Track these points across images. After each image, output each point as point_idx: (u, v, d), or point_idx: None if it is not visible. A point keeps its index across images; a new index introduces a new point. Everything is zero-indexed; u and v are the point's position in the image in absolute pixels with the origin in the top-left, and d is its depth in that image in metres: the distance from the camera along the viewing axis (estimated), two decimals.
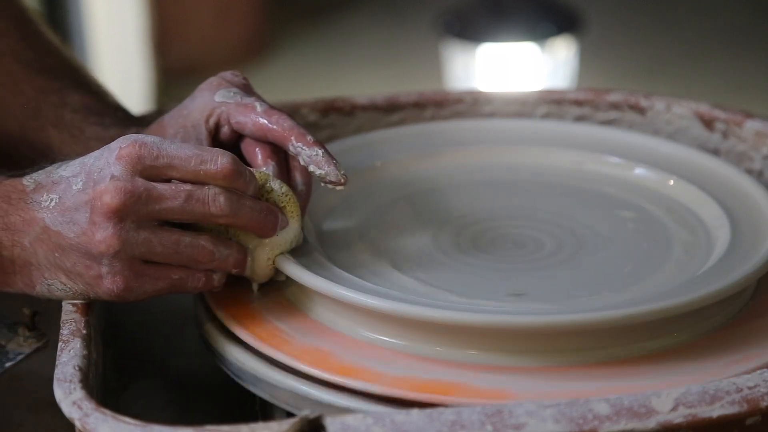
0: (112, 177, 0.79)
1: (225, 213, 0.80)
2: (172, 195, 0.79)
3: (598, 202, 0.97)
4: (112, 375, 0.89)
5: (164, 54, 3.02)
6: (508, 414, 0.69)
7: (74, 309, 0.82)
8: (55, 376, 0.75)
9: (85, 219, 0.79)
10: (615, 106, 1.08)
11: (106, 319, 0.92)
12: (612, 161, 1.00)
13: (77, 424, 0.72)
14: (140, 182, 0.79)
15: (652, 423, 0.69)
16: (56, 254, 0.80)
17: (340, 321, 0.82)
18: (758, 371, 0.73)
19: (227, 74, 0.90)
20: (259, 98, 0.88)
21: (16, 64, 0.96)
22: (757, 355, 0.79)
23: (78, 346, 0.78)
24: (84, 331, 0.79)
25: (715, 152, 1.04)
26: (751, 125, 1.03)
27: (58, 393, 0.74)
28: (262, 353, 0.81)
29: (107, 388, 0.85)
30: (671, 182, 0.97)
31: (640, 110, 1.08)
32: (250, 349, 0.82)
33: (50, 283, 0.82)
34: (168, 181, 0.80)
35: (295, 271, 0.83)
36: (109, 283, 0.80)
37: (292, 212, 0.85)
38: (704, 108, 1.06)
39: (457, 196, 0.97)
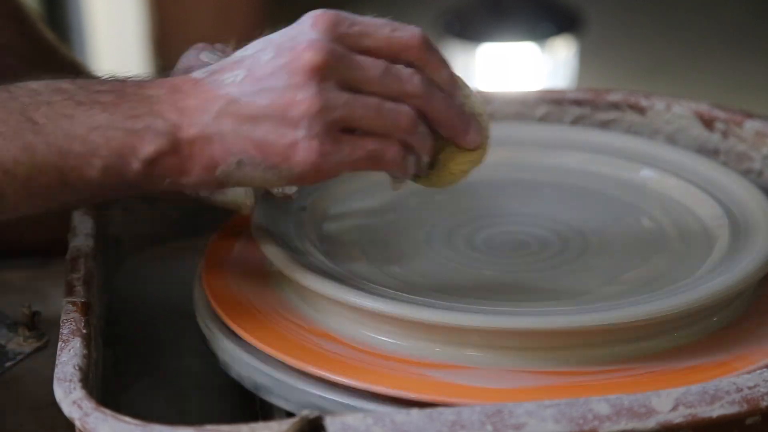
0: (310, 40, 0.76)
1: (420, 93, 0.78)
2: (372, 65, 0.77)
3: (597, 202, 0.97)
4: (112, 375, 0.89)
5: (164, 54, 3.02)
6: (508, 414, 0.69)
7: (74, 309, 0.82)
8: (55, 375, 0.75)
9: (283, 82, 0.76)
10: (615, 106, 1.08)
11: (106, 319, 0.92)
12: (611, 162, 1.00)
13: (77, 423, 0.72)
14: (340, 47, 0.77)
15: (652, 423, 0.69)
16: (246, 126, 0.76)
17: (340, 321, 0.82)
18: (758, 371, 0.73)
19: (219, 45, 0.88)
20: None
21: (14, 59, 0.96)
22: (757, 355, 0.79)
23: (78, 345, 0.78)
24: (84, 331, 0.79)
25: (715, 152, 1.04)
26: (751, 125, 1.03)
27: (58, 393, 0.74)
28: (262, 353, 0.81)
29: (107, 388, 0.85)
30: (671, 183, 0.97)
31: (640, 110, 1.08)
32: (249, 349, 0.82)
33: (239, 158, 0.76)
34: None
35: (296, 272, 0.83)
36: (304, 148, 0.76)
37: (486, 126, 0.83)
38: (704, 108, 1.05)
39: (457, 196, 0.97)
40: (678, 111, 1.06)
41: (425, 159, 0.81)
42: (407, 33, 0.79)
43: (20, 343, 0.89)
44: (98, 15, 2.72)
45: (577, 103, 1.09)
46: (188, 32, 3.18)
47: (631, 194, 0.97)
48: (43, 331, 0.89)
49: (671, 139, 1.06)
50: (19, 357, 0.88)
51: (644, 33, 3.46)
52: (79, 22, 2.68)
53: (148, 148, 0.76)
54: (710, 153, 1.04)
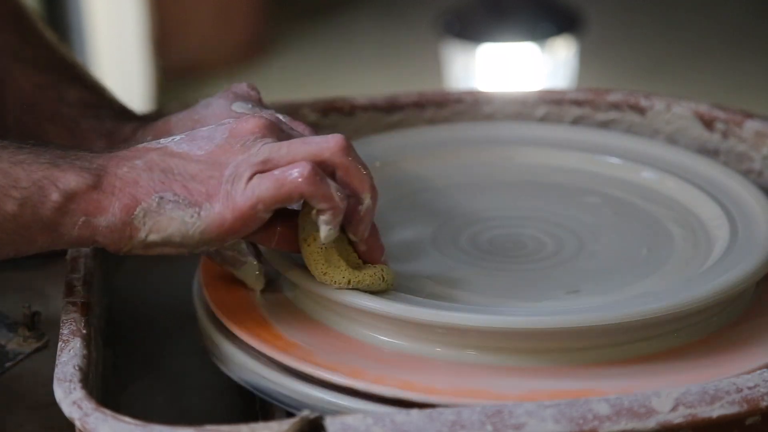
0: (253, 116, 0.78)
1: (343, 163, 0.78)
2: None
3: (598, 203, 0.97)
4: (112, 375, 0.89)
5: (164, 54, 3.02)
6: (508, 414, 0.69)
7: (74, 309, 0.82)
8: (55, 375, 0.75)
9: (221, 139, 0.77)
10: (615, 106, 1.08)
11: (106, 319, 0.92)
12: (612, 162, 1.00)
13: (77, 424, 0.72)
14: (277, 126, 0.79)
15: (652, 423, 0.69)
16: (177, 169, 0.77)
17: (340, 321, 0.82)
18: (758, 371, 0.73)
19: (242, 87, 0.89)
20: (277, 113, 0.87)
21: (14, 61, 0.96)
22: (757, 355, 0.79)
23: (78, 345, 0.78)
24: (84, 331, 0.79)
25: (715, 152, 1.04)
26: (751, 125, 1.03)
27: (58, 393, 0.74)
28: (262, 354, 0.81)
29: (107, 388, 0.85)
30: (671, 183, 0.97)
31: (640, 110, 1.08)
32: (249, 350, 0.82)
33: (162, 195, 0.76)
34: None
35: (295, 272, 0.83)
36: (227, 187, 0.76)
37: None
38: (704, 108, 1.06)
39: (456, 197, 0.97)
40: (678, 111, 1.06)
41: (366, 198, 0.78)
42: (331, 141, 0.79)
43: (20, 343, 0.89)
44: (98, 15, 2.72)
45: (577, 103, 1.09)
46: (188, 32, 3.18)
47: (631, 195, 0.97)
48: (43, 331, 0.90)
49: (671, 140, 1.06)
50: (19, 357, 0.88)
51: (644, 33, 3.46)
52: (79, 22, 2.68)
53: (71, 179, 0.77)
54: (710, 153, 1.04)
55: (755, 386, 0.71)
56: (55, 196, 0.76)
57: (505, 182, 1.00)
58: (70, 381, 0.74)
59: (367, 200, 0.78)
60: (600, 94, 1.09)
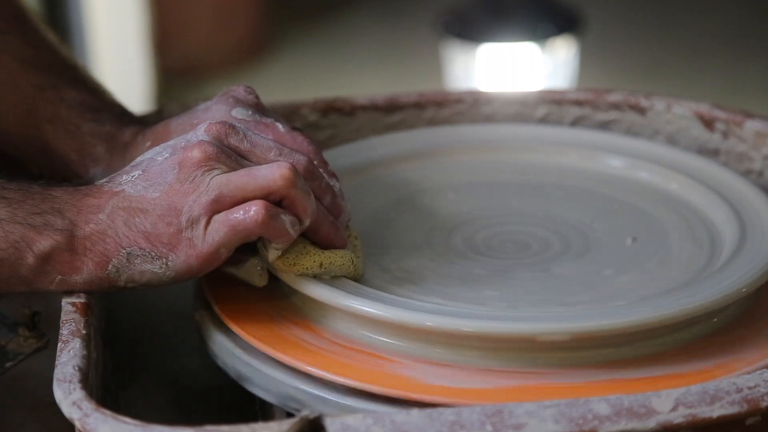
0: (200, 140, 0.80)
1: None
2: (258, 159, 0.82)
3: (600, 203, 0.97)
4: (112, 375, 0.89)
5: (164, 54, 3.02)
6: (508, 414, 0.69)
7: (74, 309, 0.82)
8: (55, 376, 0.75)
9: (172, 176, 0.80)
10: (615, 106, 1.08)
11: (106, 319, 0.92)
12: (612, 162, 1.00)
13: (77, 424, 0.72)
14: (228, 150, 0.81)
15: (652, 423, 0.69)
16: (137, 219, 0.80)
17: (340, 323, 0.82)
18: (758, 371, 0.73)
19: (240, 91, 0.90)
20: (278, 118, 0.88)
21: (15, 62, 0.96)
22: (757, 355, 0.79)
23: (78, 346, 0.78)
24: (84, 331, 0.79)
25: (716, 152, 1.04)
26: (751, 125, 1.03)
27: (58, 393, 0.74)
28: (262, 353, 0.81)
29: (107, 388, 0.85)
30: (671, 183, 0.97)
31: (640, 110, 1.08)
32: (249, 350, 0.82)
33: (129, 251, 0.80)
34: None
35: (293, 276, 0.83)
36: (188, 234, 0.79)
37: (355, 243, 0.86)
38: (704, 108, 1.06)
39: (457, 197, 0.97)
40: (678, 111, 1.06)
41: (306, 221, 0.81)
42: (292, 158, 0.82)
43: (20, 344, 0.89)
44: (98, 15, 2.72)
45: (577, 103, 1.09)
46: (188, 32, 3.18)
47: (632, 195, 0.97)
48: (43, 332, 0.89)
49: (671, 140, 1.06)
50: (19, 357, 0.88)
51: (644, 33, 3.46)
52: (79, 22, 2.68)
53: (45, 243, 0.80)
54: (710, 153, 1.04)
55: (755, 386, 0.71)
56: (30, 260, 0.80)
57: (505, 182, 1.00)
58: (70, 381, 0.74)
59: (306, 222, 0.81)
60: (600, 94, 1.09)
